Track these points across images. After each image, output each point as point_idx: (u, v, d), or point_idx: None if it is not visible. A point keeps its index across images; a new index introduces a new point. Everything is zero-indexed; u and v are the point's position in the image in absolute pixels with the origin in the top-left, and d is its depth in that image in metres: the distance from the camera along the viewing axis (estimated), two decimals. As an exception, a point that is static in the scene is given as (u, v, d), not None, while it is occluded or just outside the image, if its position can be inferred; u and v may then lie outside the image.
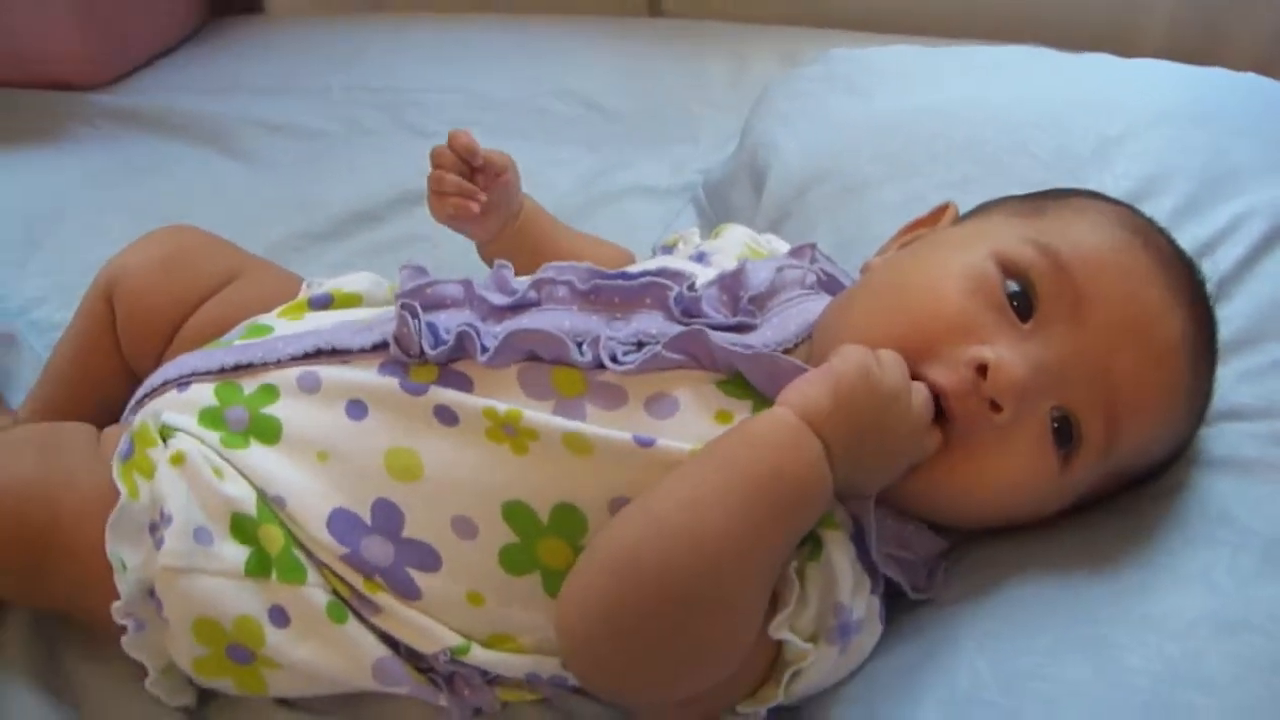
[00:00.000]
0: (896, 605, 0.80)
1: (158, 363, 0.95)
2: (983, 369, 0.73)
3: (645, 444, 0.75)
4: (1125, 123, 1.10)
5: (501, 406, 0.78)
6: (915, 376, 0.74)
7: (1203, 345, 0.79)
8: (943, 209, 0.90)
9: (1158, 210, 0.98)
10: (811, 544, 0.74)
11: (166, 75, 1.80)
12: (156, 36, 1.85)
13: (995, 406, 0.73)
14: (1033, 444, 0.75)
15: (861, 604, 0.75)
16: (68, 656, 0.88)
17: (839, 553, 0.74)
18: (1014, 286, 0.76)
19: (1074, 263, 0.76)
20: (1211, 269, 0.92)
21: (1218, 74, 1.24)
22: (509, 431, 0.78)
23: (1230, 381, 0.87)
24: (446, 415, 0.79)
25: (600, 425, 0.77)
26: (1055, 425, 0.75)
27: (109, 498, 0.80)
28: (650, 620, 0.69)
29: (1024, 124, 1.11)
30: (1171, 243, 0.82)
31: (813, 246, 0.93)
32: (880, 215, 0.98)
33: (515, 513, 0.77)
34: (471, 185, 0.97)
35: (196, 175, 1.51)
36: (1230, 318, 0.90)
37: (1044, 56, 1.31)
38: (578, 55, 1.75)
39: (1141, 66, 1.28)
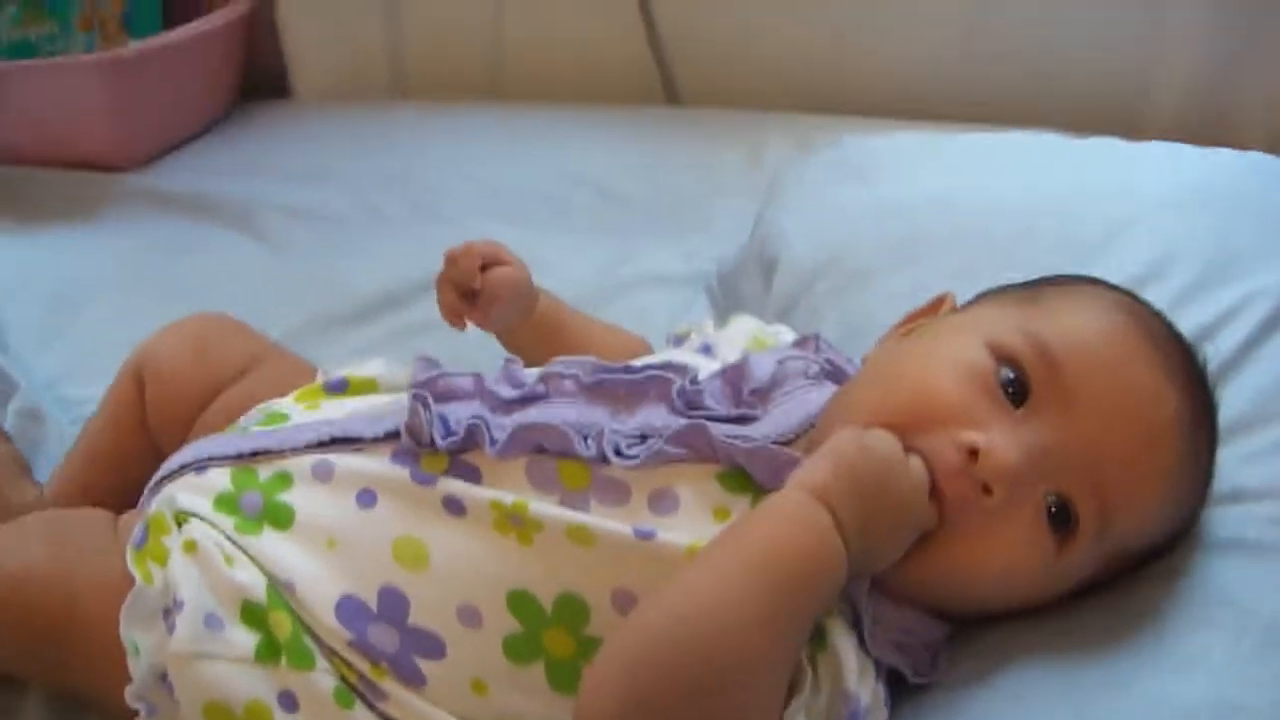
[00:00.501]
0: (899, 690, 0.79)
1: (182, 443, 0.97)
2: (974, 453, 0.74)
3: (645, 536, 0.77)
4: (1131, 208, 1.12)
5: (508, 498, 0.79)
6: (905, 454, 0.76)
7: (1199, 427, 0.80)
8: (941, 299, 0.92)
9: (1163, 293, 0.99)
10: (817, 633, 0.75)
11: (195, 158, 1.83)
12: (187, 120, 1.89)
13: (987, 490, 0.74)
14: (1026, 528, 0.75)
15: (868, 691, 0.75)
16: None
17: (843, 640, 0.74)
18: (1007, 374, 0.78)
19: (1062, 350, 0.77)
20: (1215, 351, 0.93)
21: (1224, 155, 1.25)
22: (515, 522, 0.79)
23: (1233, 463, 0.87)
24: (454, 506, 0.81)
25: (603, 518, 0.78)
26: (1051, 509, 0.76)
27: (124, 583, 0.82)
28: (672, 709, 0.69)
29: (1030, 211, 1.12)
30: (1167, 326, 0.83)
31: (816, 337, 0.95)
32: (887, 304, 0.98)
33: (520, 602, 0.78)
34: (460, 307, 0.99)
35: (222, 257, 1.53)
36: (1233, 400, 0.91)
37: (1051, 142, 1.32)
38: (595, 143, 1.76)
39: (1148, 150, 1.29)
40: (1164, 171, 1.22)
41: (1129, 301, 0.84)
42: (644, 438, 0.82)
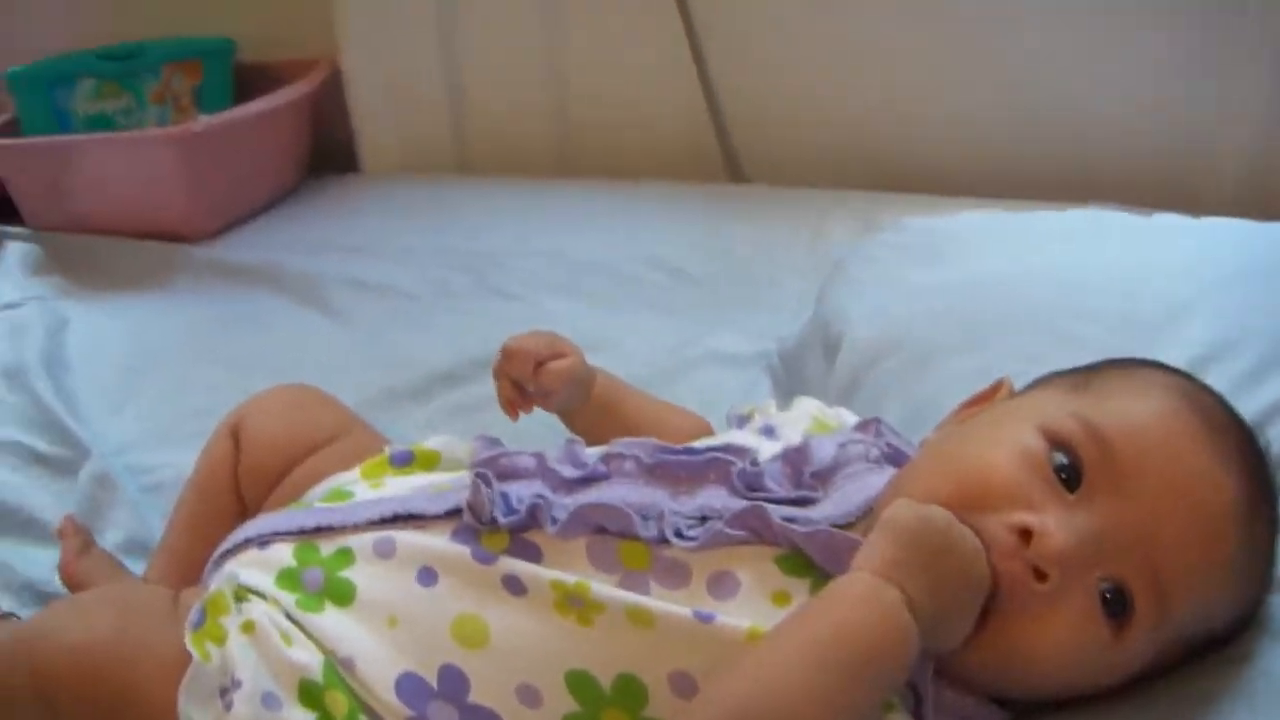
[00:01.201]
0: None
1: (266, 498, 1.01)
2: (1026, 535, 0.74)
3: (705, 620, 0.77)
4: (1194, 287, 1.11)
5: (570, 579, 0.80)
6: None
7: (1258, 513, 0.79)
8: (998, 385, 0.91)
9: (1228, 373, 0.99)
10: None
11: (266, 231, 1.87)
12: (257, 193, 1.94)
13: (1040, 575, 0.74)
14: (1080, 614, 0.74)
15: None
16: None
17: None
18: (1060, 459, 0.77)
19: (1116, 434, 0.76)
20: (1278, 435, 0.92)
21: (1286, 230, 1.24)
22: (575, 604, 0.79)
23: (1297, 548, 0.86)
24: (515, 585, 0.81)
25: (665, 598, 0.79)
26: (1107, 595, 0.75)
27: (183, 661, 0.83)
28: None
29: (1093, 291, 1.12)
30: (1224, 408, 0.82)
31: (878, 421, 0.95)
32: (951, 386, 0.97)
33: (579, 682, 0.79)
34: (517, 399, 1.01)
35: (290, 330, 1.56)
36: (1298, 481, 0.90)
37: (1113, 219, 1.32)
38: (660, 220, 1.77)
39: (1210, 227, 1.28)
40: (1226, 248, 1.21)
41: (1185, 384, 0.83)
42: (704, 519, 0.82)
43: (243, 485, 1.05)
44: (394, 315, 1.58)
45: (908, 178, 1.80)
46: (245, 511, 1.04)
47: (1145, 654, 0.77)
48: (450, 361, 1.42)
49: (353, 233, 1.83)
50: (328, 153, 2.07)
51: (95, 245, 1.77)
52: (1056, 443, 0.78)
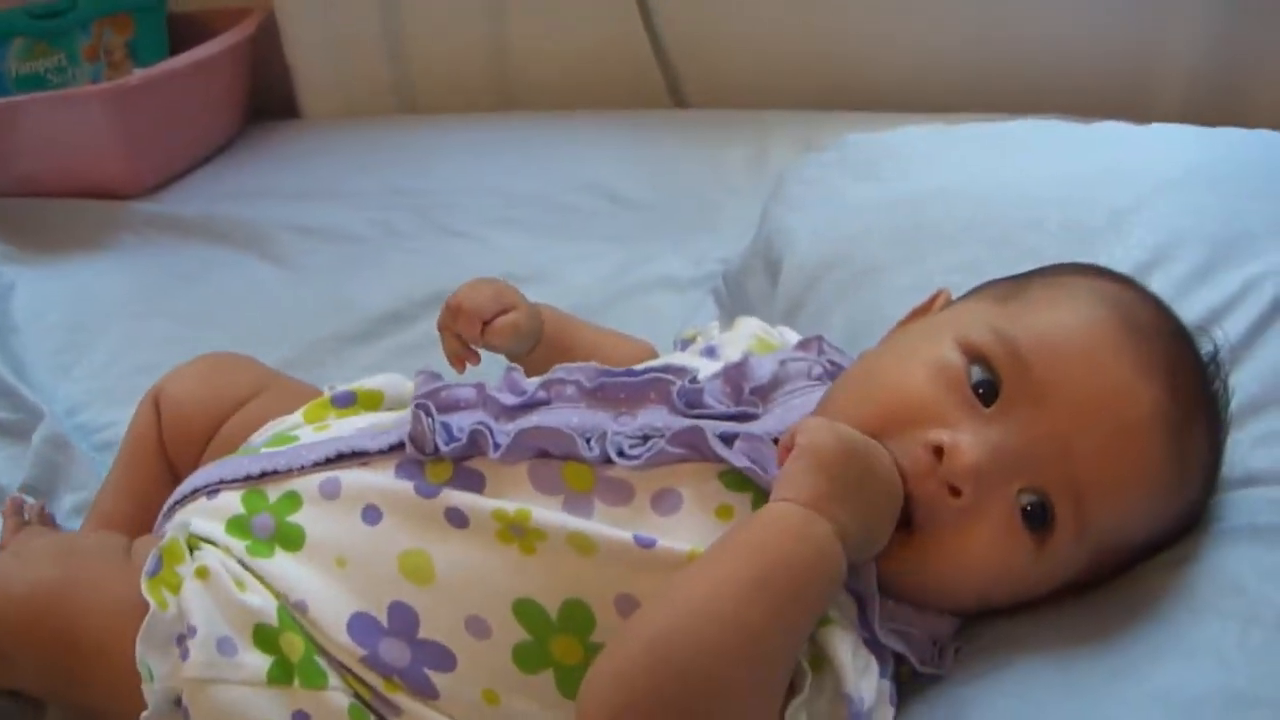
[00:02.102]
0: (909, 688, 0.80)
1: (196, 467, 0.98)
2: (939, 452, 0.74)
3: (646, 545, 0.77)
4: (1137, 192, 1.10)
5: (511, 507, 0.80)
6: None
7: (1189, 422, 0.79)
8: (935, 296, 0.92)
9: (1169, 277, 1.00)
10: (817, 635, 0.74)
11: (206, 182, 1.84)
12: (196, 145, 1.91)
13: (955, 491, 0.74)
14: (1000, 526, 0.75)
15: (870, 689, 0.75)
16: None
17: (842, 640, 0.74)
18: (978, 373, 0.78)
19: (1031, 347, 0.77)
20: (1223, 335, 0.91)
21: (1231, 134, 1.25)
22: (517, 532, 0.80)
23: (1245, 447, 0.87)
24: (457, 517, 0.81)
25: (607, 523, 0.79)
26: (1028, 508, 0.76)
27: (135, 608, 0.83)
28: (672, 709, 0.69)
29: (1035, 200, 1.12)
30: (1158, 313, 0.83)
31: (819, 339, 0.95)
32: (893, 300, 0.97)
33: (526, 611, 0.79)
34: (464, 353, 1.01)
35: (236, 280, 1.55)
36: (1244, 383, 0.90)
37: (1056, 129, 1.31)
38: (602, 149, 1.77)
39: (1154, 133, 1.28)
40: (1169, 153, 1.20)
41: (1116, 290, 0.83)
42: (646, 439, 0.83)
43: (169, 451, 1.05)
44: (340, 259, 1.57)
45: (849, 96, 1.80)
46: (175, 475, 1.03)
47: (1075, 562, 0.78)
48: (397, 302, 1.42)
49: (295, 179, 1.81)
50: (267, 100, 2.04)
51: (35, 207, 1.74)
52: (974, 357, 0.78)
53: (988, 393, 0.77)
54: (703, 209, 1.58)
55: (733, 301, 1.30)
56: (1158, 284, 0.96)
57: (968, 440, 0.74)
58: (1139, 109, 1.53)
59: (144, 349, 1.38)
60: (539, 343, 1.03)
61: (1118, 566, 0.81)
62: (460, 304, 1.00)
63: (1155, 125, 1.31)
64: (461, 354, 1.01)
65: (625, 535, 0.78)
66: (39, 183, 1.77)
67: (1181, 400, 0.78)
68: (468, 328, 0.99)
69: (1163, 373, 0.77)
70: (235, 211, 1.69)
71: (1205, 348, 0.84)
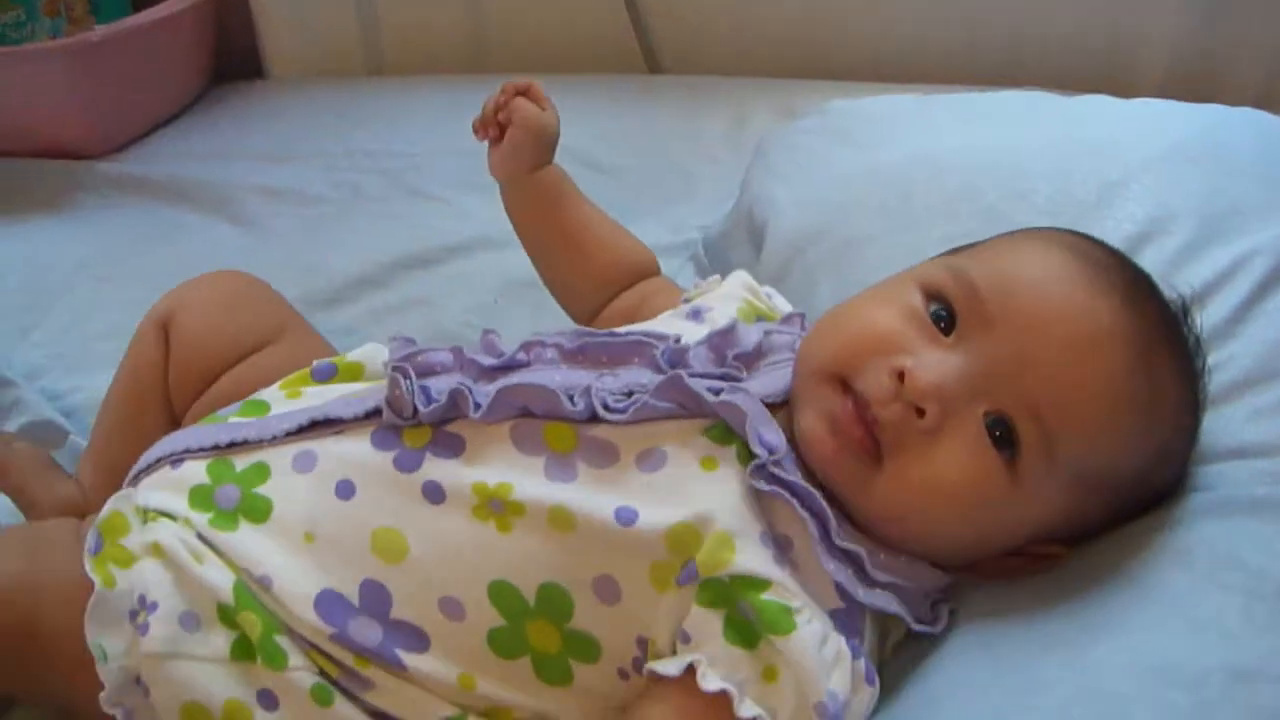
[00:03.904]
0: (906, 652, 0.80)
1: (188, 407, 0.98)
2: (902, 377, 0.76)
3: (627, 522, 0.76)
4: (1125, 166, 1.10)
5: (493, 480, 0.78)
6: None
7: (1150, 340, 0.78)
8: None
9: (1161, 251, 1.00)
10: (775, 655, 0.73)
11: (170, 142, 1.81)
12: (159, 104, 1.88)
13: (920, 412, 0.76)
14: (967, 446, 0.76)
15: (844, 681, 0.74)
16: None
17: (802, 653, 0.73)
18: (936, 308, 0.80)
19: (983, 277, 0.79)
20: (1216, 309, 0.93)
21: (1216, 111, 1.24)
22: (495, 508, 0.78)
23: (1239, 420, 0.87)
24: (435, 492, 0.79)
25: (591, 485, 0.78)
26: (993, 430, 0.76)
27: (86, 590, 0.80)
28: None
29: (1023, 172, 1.11)
30: (1112, 254, 0.84)
31: (802, 315, 0.95)
32: (881, 270, 0.94)
33: (500, 594, 0.77)
34: (490, 120, 1.07)
35: (201, 243, 1.52)
36: (1237, 356, 0.91)
37: (1042, 101, 1.31)
38: (577, 114, 1.69)
39: (1140, 107, 1.27)
40: (1156, 128, 1.19)
41: (1072, 238, 0.84)
42: (630, 394, 0.81)
43: (171, 386, 1.01)
44: (308, 222, 1.54)
45: (828, 66, 1.79)
46: (173, 413, 1.01)
47: (1052, 493, 0.78)
48: (367, 266, 1.40)
49: (262, 140, 1.78)
50: (232, 60, 2.01)
51: (-10, 167, 1.71)
52: (931, 294, 0.81)
53: (946, 324, 0.79)
54: (680, 176, 1.56)
55: (714, 268, 1.28)
56: (1150, 258, 0.97)
57: (927, 362, 0.77)
58: (1120, 86, 1.52)
59: (107, 312, 1.35)
60: (542, 175, 1.07)
61: (1104, 509, 0.81)
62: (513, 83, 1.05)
63: (1140, 100, 1.30)
64: (488, 121, 1.06)
65: (606, 510, 0.76)
66: (-4, 141, 1.73)
67: (1142, 321, 0.79)
68: (506, 92, 1.05)
69: (1119, 294, 0.79)
70: (200, 172, 1.67)
71: (1170, 295, 0.85)
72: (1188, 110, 1.25)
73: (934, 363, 0.77)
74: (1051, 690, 0.72)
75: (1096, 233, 0.90)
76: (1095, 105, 1.28)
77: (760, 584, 0.74)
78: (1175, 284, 0.89)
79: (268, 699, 0.78)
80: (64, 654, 0.80)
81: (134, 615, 0.79)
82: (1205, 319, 0.89)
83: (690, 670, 0.73)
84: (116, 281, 1.43)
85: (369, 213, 1.55)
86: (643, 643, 0.76)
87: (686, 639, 0.74)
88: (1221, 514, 0.80)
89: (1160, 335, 0.80)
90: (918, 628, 0.79)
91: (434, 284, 1.37)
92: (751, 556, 0.75)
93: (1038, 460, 0.76)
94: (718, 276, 1.05)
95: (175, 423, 1.00)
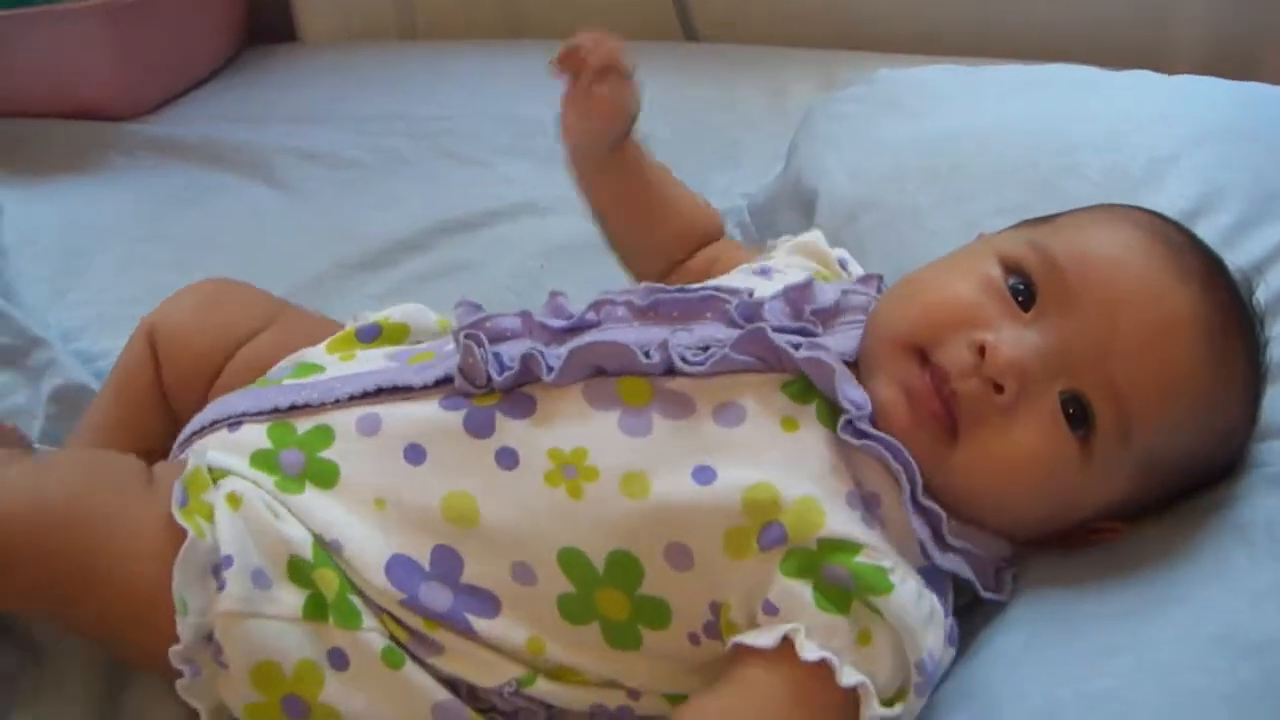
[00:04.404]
0: (965, 624, 0.80)
1: (200, 404, 0.94)
2: (982, 351, 0.76)
3: (705, 481, 0.76)
4: (1175, 141, 1.10)
5: (568, 446, 0.78)
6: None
7: (1228, 332, 0.79)
8: (975, 241, 0.91)
9: (1213, 228, 1.00)
10: (871, 618, 0.74)
11: (203, 104, 1.81)
12: (192, 66, 1.87)
13: (998, 388, 0.75)
14: (1043, 424, 0.76)
15: (938, 641, 0.74)
16: (126, 692, 0.88)
17: (905, 609, 0.73)
18: (1016, 282, 0.80)
19: (1065, 254, 0.79)
20: (1269, 287, 0.92)
21: (1261, 89, 1.24)
22: (568, 474, 0.78)
23: (1294, 397, 0.87)
24: (508, 457, 0.79)
25: (667, 439, 0.78)
26: (1069, 409, 0.76)
27: (162, 535, 0.79)
28: None
29: (1075, 145, 1.11)
30: (1190, 236, 0.84)
31: (879, 277, 0.94)
32: (934, 242, 0.97)
33: (571, 561, 0.77)
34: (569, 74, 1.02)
35: (236, 205, 1.51)
36: (1292, 333, 0.91)
37: (1084, 74, 1.30)
38: None
39: (1186, 83, 1.27)
40: (1203, 105, 1.20)
41: (1150, 218, 0.84)
42: (706, 349, 0.81)
43: (170, 392, 1.00)
44: (344, 186, 1.53)
45: (865, 36, 1.78)
46: (174, 417, 0.98)
47: (1123, 474, 0.78)
48: (406, 230, 1.39)
49: (296, 103, 1.77)
50: (264, 22, 2.00)
51: (23, 129, 1.69)
52: (1011, 268, 0.80)
53: (1025, 298, 0.79)
54: (722, 144, 1.55)
55: (760, 235, 1.28)
56: (1203, 233, 0.95)
57: (1009, 338, 0.76)
58: (1160, 62, 1.51)
59: (143, 273, 1.35)
60: (622, 150, 1.04)
61: (1166, 489, 0.81)
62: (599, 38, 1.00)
63: (1186, 76, 1.30)
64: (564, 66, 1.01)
65: (683, 471, 0.76)
66: (27, 103, 1.72)
67: (1218, 307, 0.79)
68: (593, 50, 1.00)
69: (1198, 279, 0.79)
70: (234, 135, 1.66)
71: (1244, 285, 0.85)
72: (1231, 89, 1.25)
73: (1014, 339, 0.76)
74: (1118, 657, 0.72)
75: (1147, 206, 0.90)
76: (1140, 81, 1.28)
77: (852, 547, 0.74)
78: (1231, 261, 0.88)
79: (339, 658, 0.78)
80: (126, 595, 0.79)
81: (216, 570, 0.79)
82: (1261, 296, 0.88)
83: (785, 641, 0.72)
84: (152, 243, 1.42)
85: (406, 176, 1.54)
86: (715, 607, 0.76)
87: (773, 610, 0.74)
88: (1275, 491, 0.81)
89: (1233, 320, 0.80)
90: (986, 595, 0.80)
91: (476, 248, 1.36)
92: (842, 520, 0.75)
93: (1112, 442, 0.76)
94: (788, 237, 1.04)
95: (174, 421, 0.97)
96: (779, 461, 0.76)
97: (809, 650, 0.71)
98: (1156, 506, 0.82)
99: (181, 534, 0.79)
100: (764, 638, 0.73)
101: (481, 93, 1.73)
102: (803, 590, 0.73)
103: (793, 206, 1.24)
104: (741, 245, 1.08)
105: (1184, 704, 0.68)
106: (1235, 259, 0.92)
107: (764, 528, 0.74)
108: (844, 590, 0.73)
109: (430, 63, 1.86)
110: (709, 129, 1.59)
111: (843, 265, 1.01)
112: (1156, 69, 1.33)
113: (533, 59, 1.77)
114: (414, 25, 2.02)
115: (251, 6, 1.97)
